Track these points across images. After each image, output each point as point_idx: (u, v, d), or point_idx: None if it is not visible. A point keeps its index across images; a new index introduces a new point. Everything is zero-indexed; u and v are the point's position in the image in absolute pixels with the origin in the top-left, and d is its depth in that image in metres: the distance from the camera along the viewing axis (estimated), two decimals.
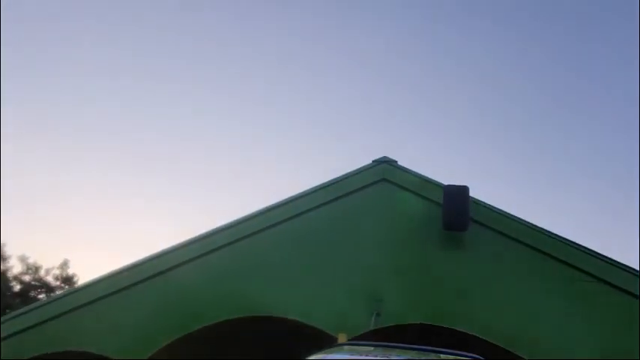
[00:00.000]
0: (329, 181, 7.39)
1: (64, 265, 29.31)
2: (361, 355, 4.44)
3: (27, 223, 36.02)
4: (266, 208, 7.23)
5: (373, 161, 7.58)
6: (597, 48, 21.41)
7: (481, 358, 4.28)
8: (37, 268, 28.52)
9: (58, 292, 7.73)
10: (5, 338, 6.73)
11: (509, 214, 7.19)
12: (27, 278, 28.21)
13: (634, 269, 6.51)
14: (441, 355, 4.43)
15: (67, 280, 29.51)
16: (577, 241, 6.91)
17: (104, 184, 31.92)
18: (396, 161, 7.60)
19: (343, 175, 7.47)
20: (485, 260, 7.03)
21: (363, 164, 7.63)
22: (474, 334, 6.36)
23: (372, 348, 4.70)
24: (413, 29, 21.18)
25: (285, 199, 7.29)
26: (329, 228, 7.18)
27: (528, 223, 7.12)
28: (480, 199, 7.24)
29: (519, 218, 7.16)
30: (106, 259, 40.18)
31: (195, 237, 7.24)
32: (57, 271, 29.12)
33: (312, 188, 7.34)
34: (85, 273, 36.71)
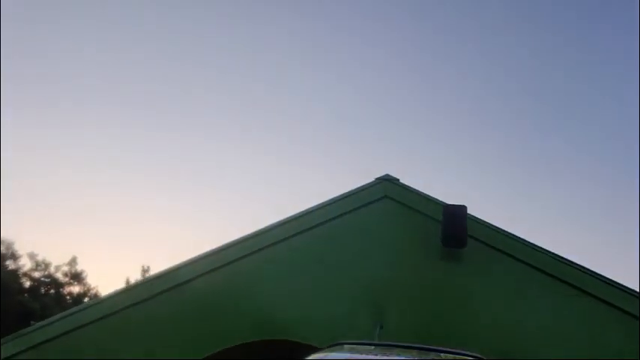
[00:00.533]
0: (332, 199, 7.73)
1: (73, 261, 29.84)
2: (362, 354, 4.56)
3: (36, 221, 36.53)
4: (270, 225, 7.57)
5: (376, 179, 7.92)
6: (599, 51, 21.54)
7: (482, 357, 4.52)
8: (46, 265, 29.04)
9: (77, 305, 8.02)
10: (27, 350, 7.11)
11: (505, 231, 7.53)
12: (37, 275, 28.75)
13: (633, 290, 6.85)
14: (442, 355, 4.62)
15: (76, 276, 30.06)
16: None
17: (111, 182, 32.39)
18: (398, 179, 7.92)
19: (347, 193, 7.80)
20: (482, 275, 7.37)
21: (366, 181, 7.97)
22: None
23: (373, 347, 4.89)
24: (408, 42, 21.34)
25: (289, 217, 7.63)
26: (333, 244, 7.51)
27: (523, 240, 7.45)
28: (478, 215, 7.58)
29: (515, 235, 7.50)
30: (113, 255, 40.75)
31: (207, 252, 7.59)
32: (66, 268, 29.66)
33: (316, 205, 7.67)
34: (93, 269, 37.28)
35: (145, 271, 29.62)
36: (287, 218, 7.60)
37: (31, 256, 28.01)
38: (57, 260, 29.79)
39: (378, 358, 4.56)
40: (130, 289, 7.64)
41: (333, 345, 4.66)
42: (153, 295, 7.34)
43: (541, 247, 7.39)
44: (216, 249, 7.60)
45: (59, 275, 29.28)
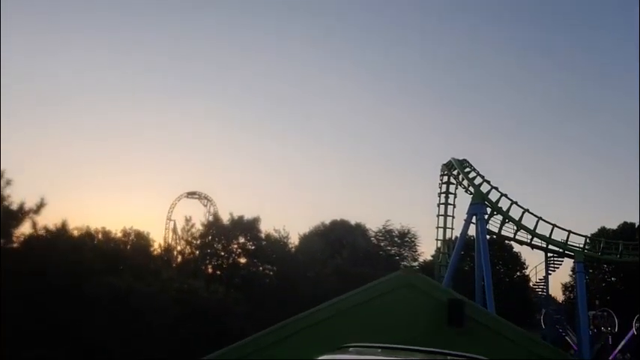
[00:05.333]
0: (364, 287, 10.54)
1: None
2: (367, 356, 4.71)
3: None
4: (317, 308, 10.41)
5: (399, 270, 10.68)
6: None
7: (486, 359, 4.88)
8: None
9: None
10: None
11: (495, 315, 10.20)
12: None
13: None
14: (447, 357, 5.00)
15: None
16: None
17: None
18: (416, 267, 10.65)
19: (376, 282, 10.61)
20: (475, 346, 10.04)
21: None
22: None
23: (379, 349, 5.01)
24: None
25: (334, 300, 10.47)
26: (362, 322, 10.28)
27: (506, 321, 10.13)
28: None
29: (502, 319, 10.18)
30: None
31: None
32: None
33: (352, 292, 10.49)
34: None
35: None
36: (332, 302, 10.45)
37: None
38: None
39: (384, 359, 4.81)
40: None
41: (341, 348, 4.90)
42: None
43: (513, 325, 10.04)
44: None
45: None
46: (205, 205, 57.37)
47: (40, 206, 17.70)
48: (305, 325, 10.30)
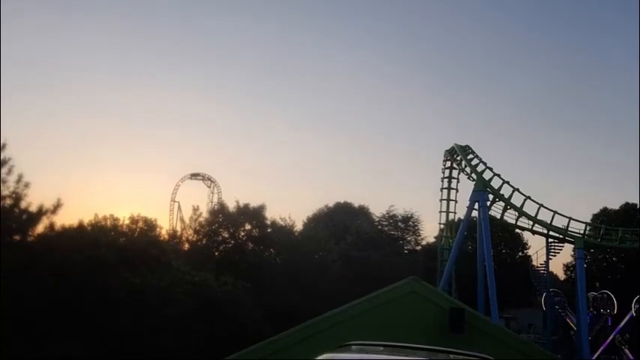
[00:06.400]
0: (371, 295, 11.24)
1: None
2: (370, 354, 4.67)
3: None
4: (331, 313, 11.13)
5: (407, 279, 11.35)
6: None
7: (490, 358, 4.94)
8: None
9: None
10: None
11: (493, 322, 10.91)
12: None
13: None
14: (451, 355, 4.93)
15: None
16: None
17: None
18: (420, 279, 11.35)
19: (384, 290, 11.30)
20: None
21: None
22: None
23: (382, 348, 4.94)
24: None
25: (342, 308, 11.18)
26: (370, 328, 10.98)
27: (501, 326, 10.84)
28: None
29: (501, 326, 10.88)
30: None
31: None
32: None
33: (361, 299, 11.20)
34: None
35: None
36: (339, 309, 11.16)
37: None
38: None
39: (386, 357, 4.66)
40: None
41: (343, 346, 4.81)
42: None
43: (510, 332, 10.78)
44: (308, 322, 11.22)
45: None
46: (209, 187, 58.26)
47: (57, 206, 18.46)
48: (314, 331, 11.02)
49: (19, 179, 16.64)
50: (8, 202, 17.18)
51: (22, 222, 17.14)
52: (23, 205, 17.78)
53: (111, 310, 19.53)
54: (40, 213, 17.63)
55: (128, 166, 79.92)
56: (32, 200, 18.08)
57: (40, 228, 18.21)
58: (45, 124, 72.77)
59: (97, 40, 78.66)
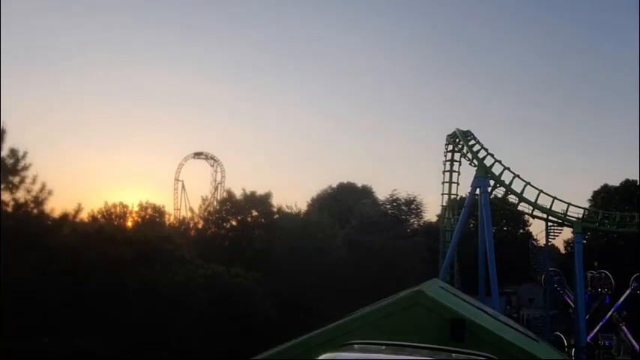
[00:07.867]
0: (376, 304, 12.13)
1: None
2: (372, 354, 4.65)
3: None
4: (336, 324, 12.02)
5: (411, 291, 12.24)
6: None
7: (493, 357, 5.12)
8: None
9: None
10: None
11: (490, 330, 11.80)
12: None
13: None
14: (453, 355, 4.94)
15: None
16: None
17: None
18: (423, 292, 12.23)
19: (389, 300, 12.20)
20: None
21: None
22: None
23: (384, 347, 4.91)
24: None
25: (349, 318, 12.09)
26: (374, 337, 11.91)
27: (498, 334, 11.71)
28: None
29: (493, 331, 11.76)
30: None
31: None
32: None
33: (366, 309, 12.10)
34: None
35: None
36: (344, 321, 12.06)
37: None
38: None
39: (389, 357, 4.63)
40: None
41: (345, 345, 4.81)
42: None
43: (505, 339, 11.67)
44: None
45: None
46: (212, 166, 58.96)
47: (78, 210, 19.35)
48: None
49: (43, 188, 17.42)
50: (31, 206, 18.04)
51: (48, 227, 18.02)
52: (47, 209, 18.65)
53: (128, 306, 20.53)
54: (65, 218, 18.50)
55: (132, 145, 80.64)
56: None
57: (65, 230, 19.10)
58: (45, 103, 73.20)
59: (99, 20, 78.68)
